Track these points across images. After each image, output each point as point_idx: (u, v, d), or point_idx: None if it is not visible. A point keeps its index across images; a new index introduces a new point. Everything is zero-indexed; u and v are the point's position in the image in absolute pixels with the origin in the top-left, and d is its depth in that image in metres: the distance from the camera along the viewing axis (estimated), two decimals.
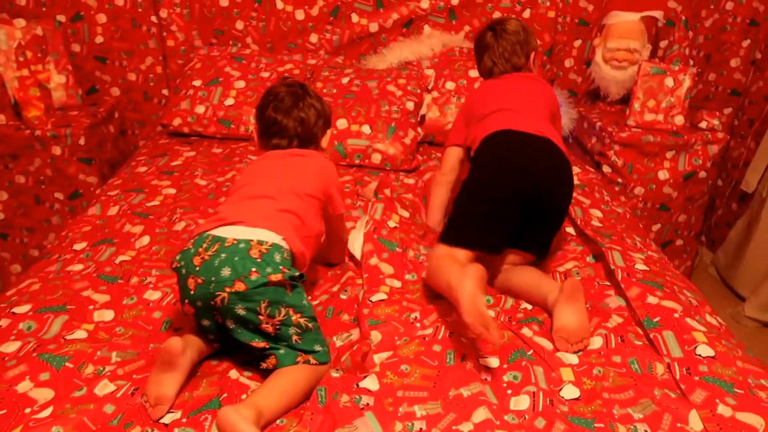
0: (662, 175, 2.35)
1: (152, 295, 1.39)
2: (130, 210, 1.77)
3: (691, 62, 2.64)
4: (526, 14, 2.57)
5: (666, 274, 1.46)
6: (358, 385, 1.11)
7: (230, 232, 1.18)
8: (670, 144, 2.32)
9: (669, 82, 2.34)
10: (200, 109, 2.35)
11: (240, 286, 1.10)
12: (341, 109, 2.23)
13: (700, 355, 1.18)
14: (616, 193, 2.36)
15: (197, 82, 2.41)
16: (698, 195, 2.42)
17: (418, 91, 2.36)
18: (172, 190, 1.91)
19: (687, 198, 2.40)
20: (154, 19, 2.60)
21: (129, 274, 1.46)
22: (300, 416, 1.06)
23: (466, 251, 1.38)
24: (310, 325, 1.17)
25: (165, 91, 2.74)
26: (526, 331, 1.30)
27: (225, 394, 1.11)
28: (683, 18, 2.52)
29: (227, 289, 1.10)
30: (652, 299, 1.32)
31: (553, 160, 1.48)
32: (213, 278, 1.11)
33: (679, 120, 2.37)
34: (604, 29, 2.57)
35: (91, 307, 1.34)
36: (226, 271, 1.11)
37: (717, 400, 1.07)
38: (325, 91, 2.33)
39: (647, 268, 1.45)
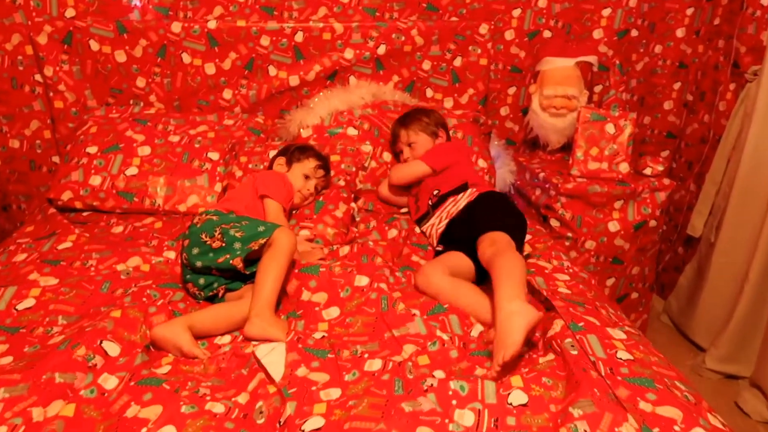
0: (612, 226, 2.21)
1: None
2: None
3: (627, 107, 2.57)
4: (458, 62, 2.41)
5: (652, 361, 1.26)
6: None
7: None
8: (617, 193, 2.19)
9: (610, 128, 2.24)
10: (96, 181, 2.01)
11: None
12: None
13: None
14: (567, 249, 2.20)
15: (92, 149, 2.08)
16: (650, 245, 2.29)
17: (353, 169, 2.12)
18: (54, 280, 1.56)
19: (639, 249, 2.27)
20: (38, 78, 2.25)
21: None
22: None
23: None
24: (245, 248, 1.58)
25: (56, 158, 2.38)
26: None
27: None
28: (617, 62, 2.45)
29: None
30: (645, 405, 1.11)
31: None
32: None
33: (624, 167, 2.25)
34: (538, 76, 2.46)
35: None
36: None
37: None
38: (250, 166, 2.10)
39: (631, 357, 1.24)
